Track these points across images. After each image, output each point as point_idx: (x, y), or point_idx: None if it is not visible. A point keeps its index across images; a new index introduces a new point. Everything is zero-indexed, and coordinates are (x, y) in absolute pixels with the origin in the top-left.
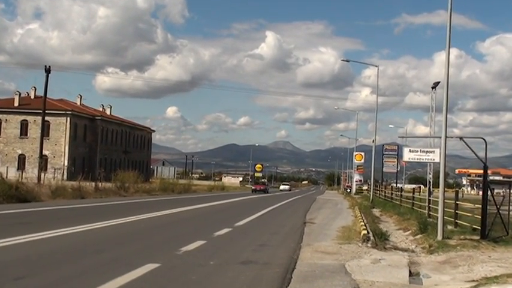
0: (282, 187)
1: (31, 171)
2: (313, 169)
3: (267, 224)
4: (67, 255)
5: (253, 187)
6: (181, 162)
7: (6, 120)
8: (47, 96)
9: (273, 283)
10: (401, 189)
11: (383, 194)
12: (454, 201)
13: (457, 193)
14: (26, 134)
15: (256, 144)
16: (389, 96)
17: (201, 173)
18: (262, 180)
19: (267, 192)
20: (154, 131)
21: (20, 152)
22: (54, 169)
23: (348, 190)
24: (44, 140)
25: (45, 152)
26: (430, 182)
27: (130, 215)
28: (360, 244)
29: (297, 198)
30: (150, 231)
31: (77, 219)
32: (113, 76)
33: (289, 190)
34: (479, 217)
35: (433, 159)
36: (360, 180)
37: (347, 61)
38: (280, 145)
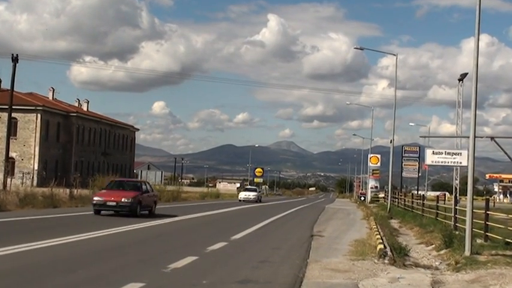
0: (242, 195)
1: None
2: (322, 174)
3: (268, 237)
4: (34, 274)
5: (241, 196)
6: (170, 165)
7: None
8: (14, 89)
9: None
10: (423, 197)
11: (402, 202)
12: (484, 211)
13: (487, 201)
14: None
15: (256, 145)
16: (410, 89)
17: (192, 179)
18: (253, 186)
19: (259, 202)
20: (138, 129)
21: None
22: (23, 174)
23: (362, 198)
24: (11, 140)
25: (11, 154)
26: (456, 188)
27: (110, 227)
28: (376, 260)
29: (303, 207)
30: (132, 246)
31: (48, 232)
32: (91, 66)
33: (257, 201)
34: None
35: (460, 163)
36: (376, 187)
37: (361, 49)
38: (283, 146)
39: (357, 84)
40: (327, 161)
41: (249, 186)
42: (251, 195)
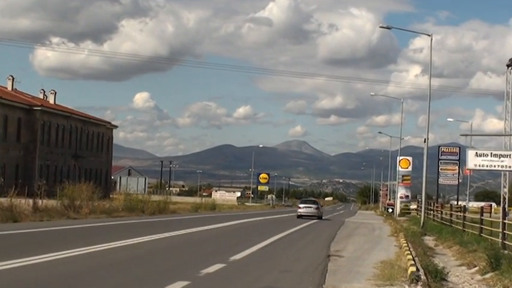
0: (302, 210)
1: None
2: (341, 180)
3: (275, 257)
4: None
5: (300, 210)
6: (155, 170)
7: None
8: None
9: None
10: (465, 209)
11: (438, 215)
12: None
13: None
14: None
15: (261, 146)
16: (448, 77)
17: (183, 186)
18: (311, 198)
19: (320, 218)
20: (116, 126)
21: None
22: None
23: (390, 210)
24: None
25: None
26: (504, 198)
27: (80, 246)
28: (407, 286)
29: (318, 221)
30: (108, 268)
31: (4, 253)
32: (59, 49)
33: (319, 217)
34: None
35: (510, 167)
36: (407, 196)
37: (388, 28)
38: (294, 147)
39: (384, 71)
40: (346, 165)
41: (308, 198)
42: (312, 207)
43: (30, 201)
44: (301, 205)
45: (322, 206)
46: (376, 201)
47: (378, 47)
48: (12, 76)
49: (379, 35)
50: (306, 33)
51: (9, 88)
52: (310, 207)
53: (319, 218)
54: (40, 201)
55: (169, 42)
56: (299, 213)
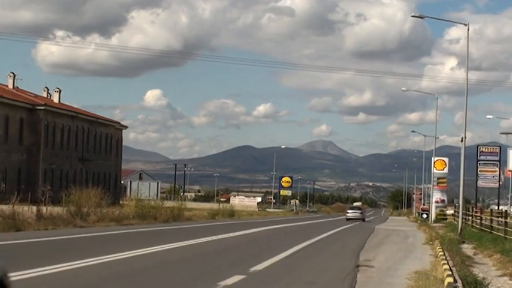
0: (350, 214)
1: None
2: (370, 184)
3: (299, 267)
4: None
5: (349, 215)
6: (168, 174)
7: None
8: None
9: None
10: (507, 214)
11: (478, 221)
12: None
13: None
14: None
15: (283, 147)
16: (487, 70)
17: (199, 191)
18: (357, 205)
19: (363, 220)
20: (126, 127)
21: None
22: None
23: (424, 215)
24: None
25: None
26: None
27: (87, 257)
28: None
29: (346, 228)
30: (118, 281)
31: (10, 264)
32: (64, 44)
33: (363, 219)
34: None
35: None
36: (443, 201)
37: (421, 17)
38: (319, 147)
39: (417, 64)
40: (376, 167)
41: (354, 205)
42: (357, 212)
43: (34, 208)
44: (349, 211)
45: (364, 211)
46: (409, 206)
47: (410, 38)
48: (13, 73)
49: (411, 25)
50: (331, 23)
51: (10, 86)
52: (356, 212)
53: (363, 220)
54: (44, 209)
55: (183, 34)
56: (347, 217)
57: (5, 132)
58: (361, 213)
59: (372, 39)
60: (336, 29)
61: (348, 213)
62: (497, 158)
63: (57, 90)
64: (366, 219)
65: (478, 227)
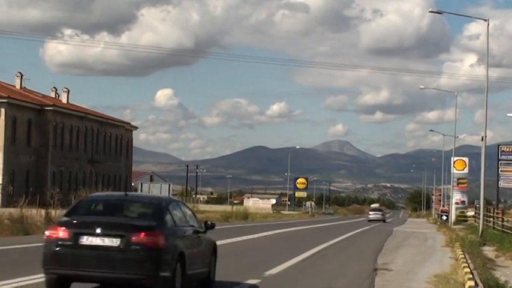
0: (372, 216)
1: None
2: (388, 185)
3: (315, 271)
4: None
5: (370, 216)
6: (180, 176)
7: None
8: None
9: None
10: None
11: (499, 222)
12: None
13: None
14: None
15: (298, 147)
16: (508, 67)
17: (211, 193)
18: (378, 207)
19: (384, 221)
20: (137, 127)
21: None
22: None
23: (444, 217)
24: None
25: None
26: None
27: None
28: None
29: (363, 230)
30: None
31: (15, 270)
32: (73, 43)
33: (384, 220)
34: None
35: None
36: (463, 202)
37: (439, 13)
38: (335, 147)
39: (435, 61)
40: (394, 167)
41: (375, 206)
42: (379, 214)
43: (43, 211)
44: (371, 212)
45: (384, 213)
46: (429, 207)
47: (428, 35)
48: (20, 73)
49: (429, 21)
50: (347, 19)
51: (18, 86)
52: (377, 213)
53: (384, 221)
54: (53, 212)
55: (194, 32)
56: (369, 218)
57: (13, 134)
58: (382, 214)
59: (388, 35)
60: (351, 25)
61: (369, 214)
62: None
63: (66, 90)
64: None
65: (499, 228)
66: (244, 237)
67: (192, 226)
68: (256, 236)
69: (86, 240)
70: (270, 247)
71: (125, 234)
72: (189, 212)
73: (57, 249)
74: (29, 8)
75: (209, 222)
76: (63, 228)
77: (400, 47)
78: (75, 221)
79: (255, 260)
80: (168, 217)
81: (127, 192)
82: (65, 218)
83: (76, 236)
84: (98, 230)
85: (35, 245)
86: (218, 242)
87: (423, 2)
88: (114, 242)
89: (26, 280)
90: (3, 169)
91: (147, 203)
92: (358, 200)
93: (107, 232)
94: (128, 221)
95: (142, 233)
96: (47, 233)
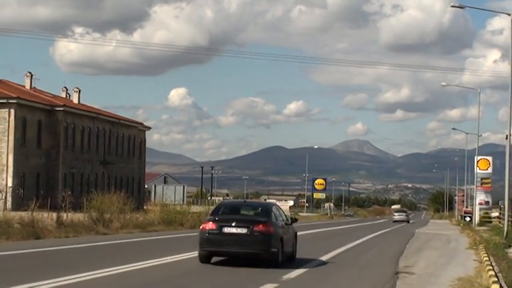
0: (396, 217)
1: None
2: (409, 185)
3: (334, 275)
4: None
5: (395, 217)
6: (195, 177)
7: None
8: None
9: None
10: None
11: None
12: None
13: None
14: None
15: (316, 147)
16: None
17: (227, 195)
18: (402, 209)
19: (408, 222)
20: (150, 128)
21: None
22: None
23: (467, 218)
24: None
25: None
26: None
27: (110, 266)
28: None
29: (384, 232)
30: None
31: (28, 274)
32: (84, 41)
33: (408, 221)
34: None
35: None
36: (487, 202)
37: (461, 7)
38: (354, 147)
39: (457, 57)
40: (416, 167)
41: (399, 208)
42: (403, 215)
43: (54, 215)
44: (395, 213)
45: (408, 214)
46: (451, 208)
47: (449, 30)
48: (30, 73)
49: (451, 16)
50: (366, 15)
51: (28, 86)
52: (402, 215)
53: (408, 222)
54: (65, 215)
55: (208, 29)
56: (394, 219)
57: (23, 135)
58: (406, 215)
59: (409, 31)
60: (370, 21)
61: (394, 215)
62: None
63: (77, 90)
64: (403, 223)
65: None
66: None
67: (284, 220)
68: None
69: (226, 229)
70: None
71: (250, 225)
72: (281, 211)
73: (208, 235)
74: (39, 6)
75: (293, 218)
76: (211, 222)
77: (421, 43)
78: (217, 218)
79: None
80: (272, 215)
81: (246, 200)
82: (211, 216)
83: (220, 227)
84: (233, 224)
85: (45, 249)
86: None
87: None
88: (244, 230)
89: (38, 286)
90: (13, 172)
91: (258, 206)
92: (379, 201)
93: (239, 225)
94: (251, 217)
95: (260, 225)
96: (202, 226)
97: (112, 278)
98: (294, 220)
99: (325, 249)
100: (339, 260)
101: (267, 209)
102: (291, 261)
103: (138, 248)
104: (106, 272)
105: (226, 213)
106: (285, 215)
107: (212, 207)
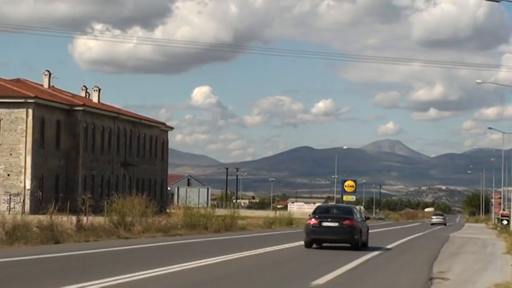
0: (434, 220)
1: None
2: (443, 187)
3: (365, 281)
4: None
5: (433, 220)
6: (219, 179)
7: None
8: None
9: None
10: None
11: None
12: None
13: None
14: None
15: (345, 147)
16: None
17: (253, 198)
18: (440, 212)
19: (445, 225)
20: (172, 128)
21: None
22: (9, 195)
23: (504, 222)
24: None
25: None
26: None
27: (134, 271)
28: None
29: (417, 236)
30: None
31: (46, 280)
32: (103, 38)
33: (445, 224)
34: None
35: None
36: None
37: (497, 1)
38: (385, 147)
39: (493, 53)
40: (450, 168)
41: (438, 212)
42: (441, 218)
43: (74, 218)
44: (433, 216)
45: (445, 217)
46: (487, 211)
47: (485, 25)
48: (49, 71)
49: (486, 10)
50: (397, 9)
51: (46, 85)
52: (439, 217)
53: (445, 224)
54: (85, 219)
55: (233, 25)
56: (432, 222)
57: (41, 136)
58: (443, 218)
59: (442, 26)
60: (402, 15)
61: (432, 218)
62: None
63: (97, 89)
64: (438, 226)
65: None
66: (289, 245)
67: (361, 217)
68: (301, 243)
69: (324, 223)
70: (317, 255)
71: (340, 220)
72: (360, 211)
73: (312, 227)
74: (57, 1)
75: (367, 216)
76: (314, 219)
77: (455, 38)
78: (317, 216)
79: (301, 269)
80: (354, 213)
81: (335, 204)
82: (313, 215)
83: (320, 222)
84: (329, 219)
85: (65, 254)
86: (261, 250)
87: None
88: (336, 224)
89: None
90: (31, 174)
91: (344, 208)
92: (411, 204)
93: (333, 220)
94: (340, 215)
95: (347, 220)
96: (307, 221)
97: (137, 283)
98: (367, 218)
99: (358, 253)
100: (371, 264)
101: (350, 210)
102: (364, 247)
103: (161, 253)
104: (128, 277)
105: (322, 212)
106: (361, 213)
107: (237, 210)
